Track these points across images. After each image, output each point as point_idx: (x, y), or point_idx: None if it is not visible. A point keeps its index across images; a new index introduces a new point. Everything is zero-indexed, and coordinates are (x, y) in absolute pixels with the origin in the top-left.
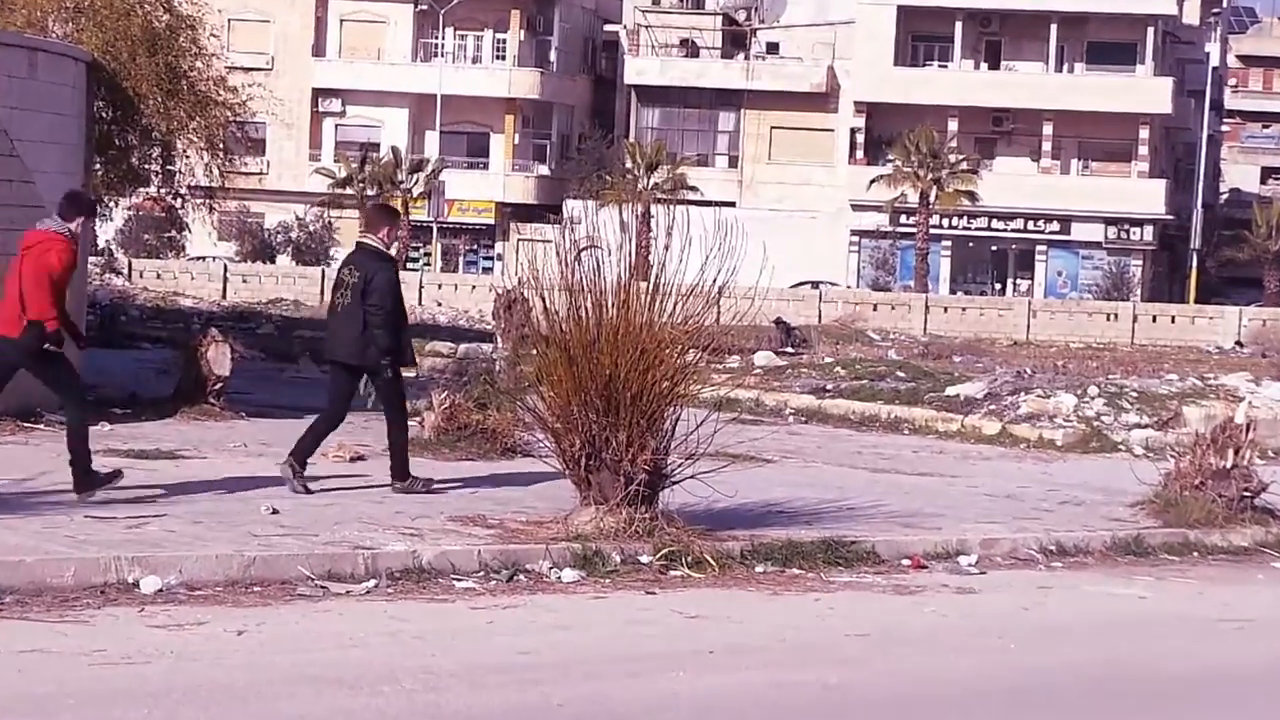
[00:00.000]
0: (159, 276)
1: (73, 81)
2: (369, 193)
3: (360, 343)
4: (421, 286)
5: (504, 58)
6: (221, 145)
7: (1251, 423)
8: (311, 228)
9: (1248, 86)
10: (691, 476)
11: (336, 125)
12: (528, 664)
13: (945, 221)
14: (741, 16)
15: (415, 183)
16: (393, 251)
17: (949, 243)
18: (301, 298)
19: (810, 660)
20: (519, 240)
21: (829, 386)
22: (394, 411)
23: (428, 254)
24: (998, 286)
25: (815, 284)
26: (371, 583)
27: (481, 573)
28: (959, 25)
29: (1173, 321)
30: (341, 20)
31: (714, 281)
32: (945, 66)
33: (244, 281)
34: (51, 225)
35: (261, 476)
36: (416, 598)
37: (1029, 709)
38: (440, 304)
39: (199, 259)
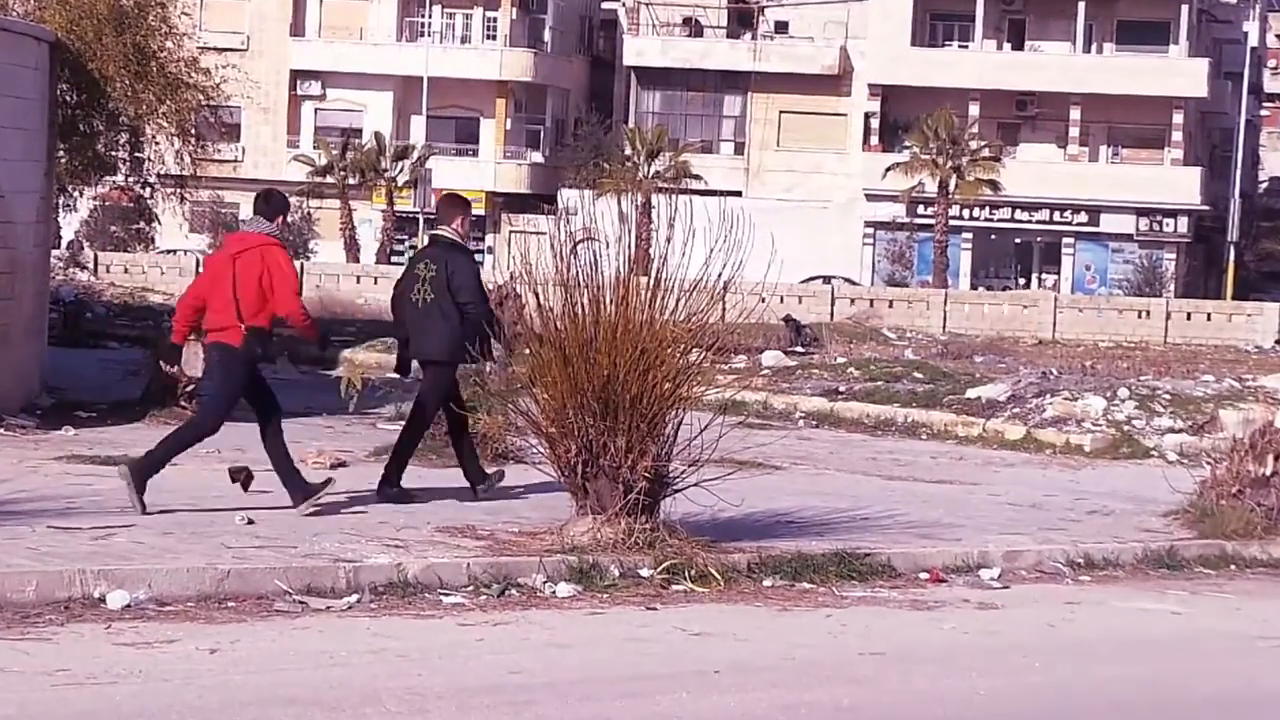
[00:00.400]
0: (126, 271)
1: (35, 63)
2: (350, 182)
3: (453, 339)
4: None
5: (495, 37)
6: (193, 131)
7: None
8: (289, 219)
9: None
10: (695, 484)
11: (316, 109)
12: (520, 684)
13: (966, 212)
14: None
15: (400, 171)
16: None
17: (969, 235)
18: None
19: (821, 680)
20: (511, 232)
21: (841, 388)
22: (424, 414)
23: (413, 247)
24: (1021, 281)
25: (827, 279)
26: (353, 598)
27: (471, 587)
28: (980, 3)
29: (1208, 319)
30: None
31: (719, 276)
32: (966, 47)
33: None
34: (261, 227)
35: (237, 485)
36: (401, 613)
37: None
38: None
39: (169, 252)
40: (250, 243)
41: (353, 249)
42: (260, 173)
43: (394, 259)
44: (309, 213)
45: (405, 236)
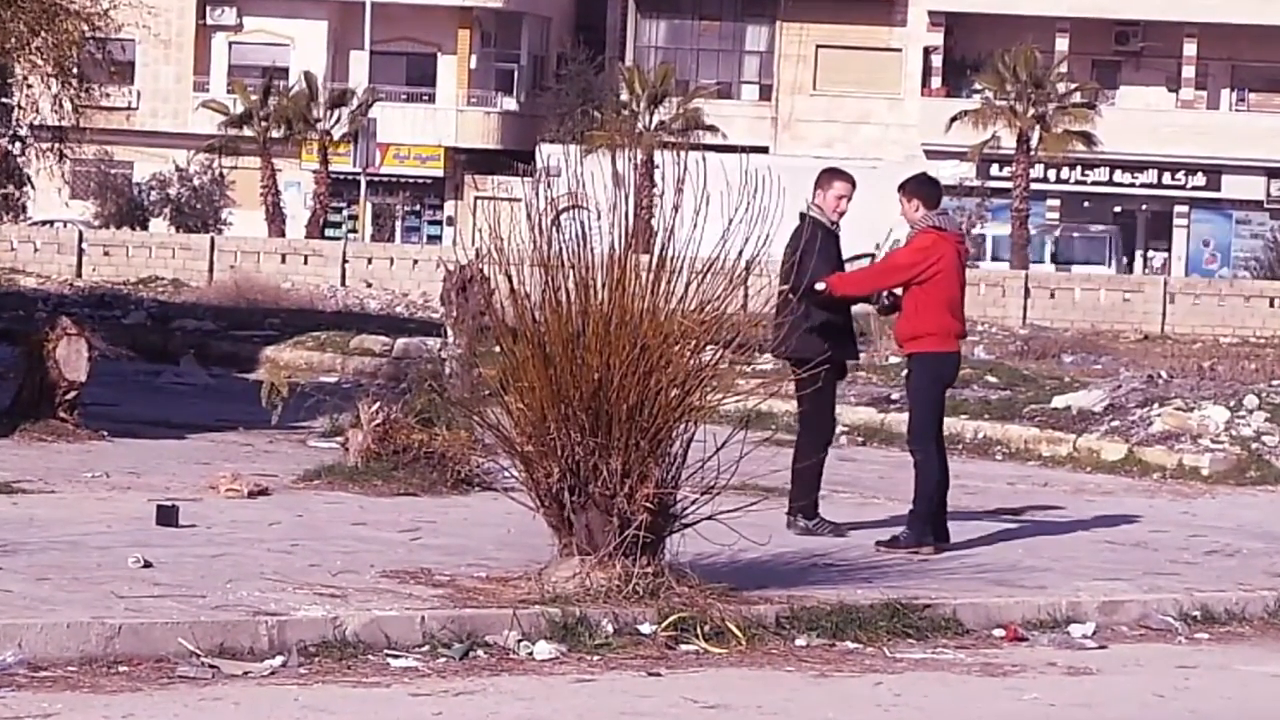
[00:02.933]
0: None
1: None
2: (274, 135)
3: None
4: (345, 261)
5: None
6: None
7: None
8: (197, 182)
9: None
10: (709, 517)
11: (230, 44)
12: None
13: (1051, 173)
14: None
15: (336, 121)
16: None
17: (1056, 201)
18: (184, 275)
19: None
20: (477, 199)
21: (895, 396)
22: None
23: (353, 217)
24: (1123, 260)
25: (875, 258)
26: (278, 660)
27: (426, 647)
28: None
29: None
30: None
31: (740, 254)
32: None
33: (106, 254)
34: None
35: (130, 518)
36: (339, 680)
37: None
38: (370, 284)
39: (45, 224)
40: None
41: (276, 219)
42: (160, 123)
43: (328, 232)
44: (221, 174)
45: (343, 204)
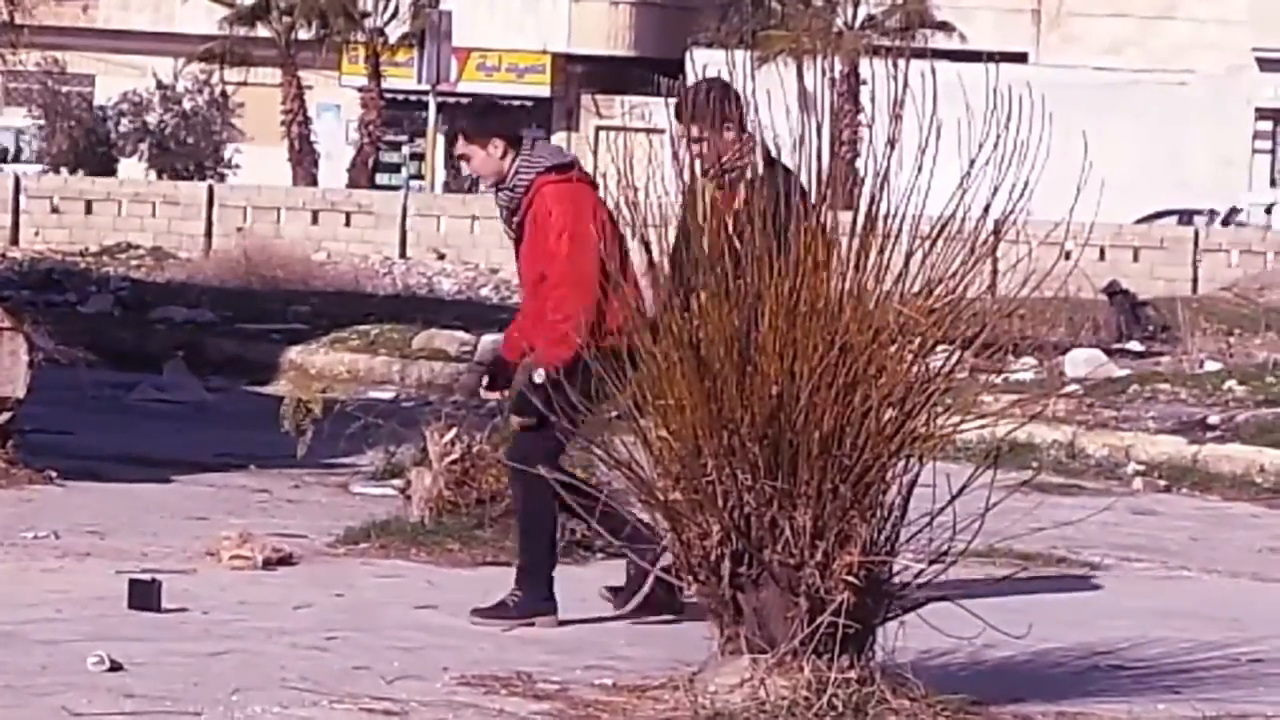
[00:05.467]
0: None
1: None
2: (300, 34)
3: None
4: (405, 222)
5: None
6: None
7: None
8: (187, 105)
9: None
10: (941, 598)
11: None
12: None
13: None
14: None
15: (393, 16)
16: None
17: None
18: (169, 242)
19: None
20: (599, 129)
21: (1214, 419)
22: None
23: (418, 157)
24: None
25: (1186, 215)
26: None
27: None
28: None
29: None
30: None
31: (985, 212)
32: None
33: (55, 211)
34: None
35: (91, 597)
36: None
37: None
38: (442, 255)
39: None
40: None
41: (305, 160)
42: (134, 19)
43: (381, 179)
44: (223, 93)
45: (403, 137)
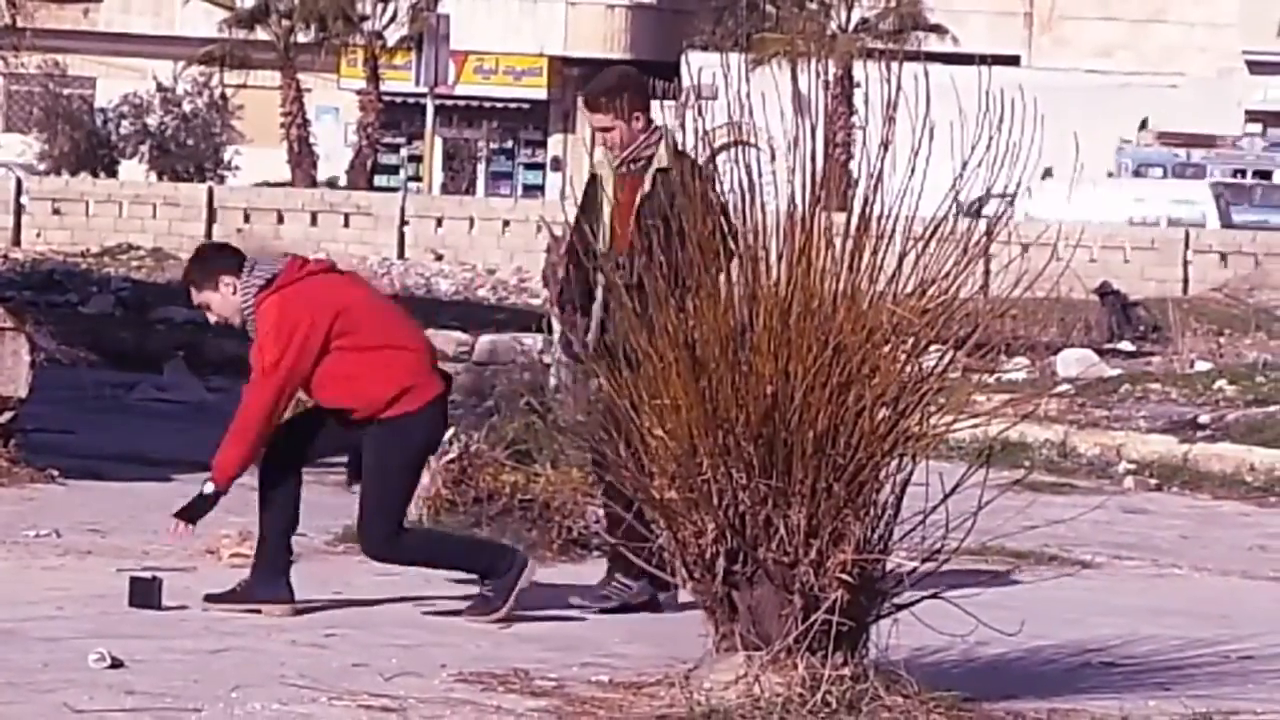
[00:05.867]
0: None
1: None
2: (300, 38)
3: None
4: (404, 223)
5: None
6: None
7: None
8: (188, 107)
9: None
10: (933, 595)
11: None
12: None
13: None
14: None
15: (392, 20)
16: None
17: None
18: (169, 243)
19: None
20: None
21: (1204, 418)
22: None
23: (416, 159)
24: None
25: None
26: None
27: None
28: None
29: None
30: None
31: (977, 212)
32: None
33: (56, 212)
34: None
35: (91, 595)
36: None
37: None
38: (440, 256)
39: None
40: None
41: (304, 162)
42: (135, 22)
43: (379, 180)
44: (223, 96)
45: (401, 139)
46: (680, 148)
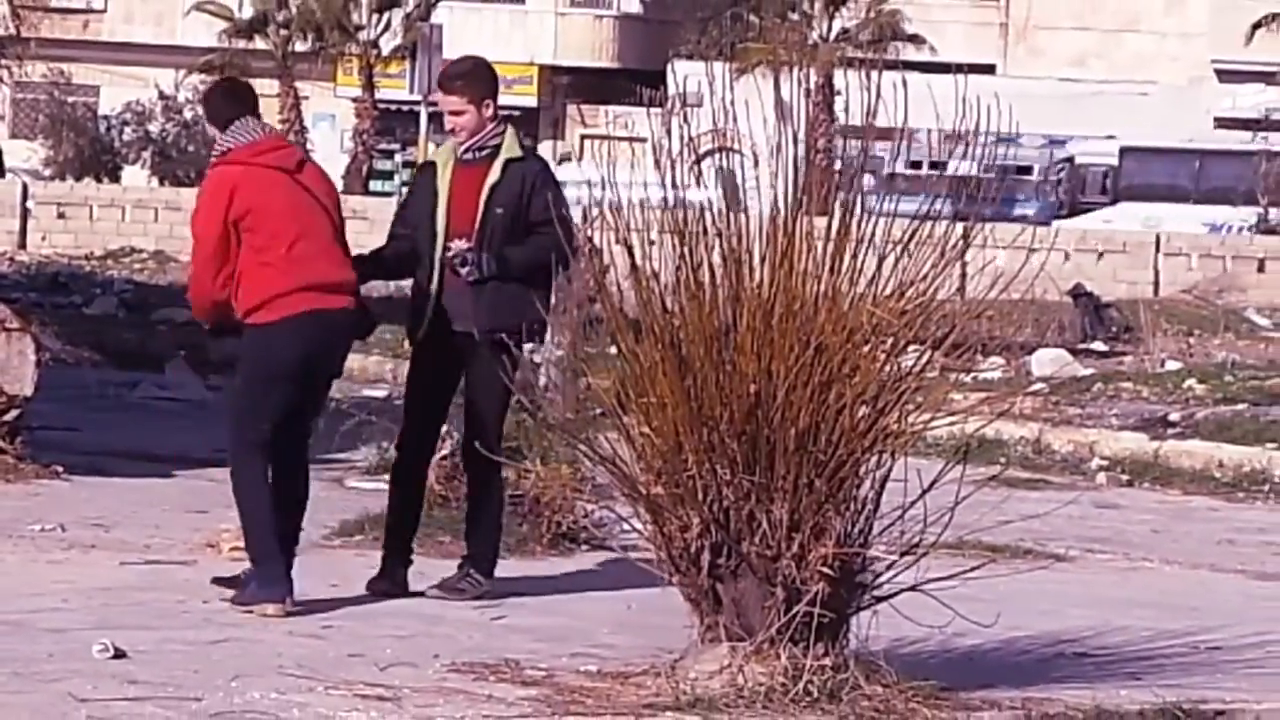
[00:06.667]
0: None
1: None
2: (297, 47)
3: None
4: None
5: None
6: None
7: None
8: (188, 115)
9: None
10: (912, 588)
11: None
12: None
13: None
14: None
15: (386, 29)
16: None
17: None
18: (171, 246)
19: None
20: (584, 137)
21: (1174, 416)
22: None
23: (410, 165)
24: None
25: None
26: None
27: None
28: None
29: None
30: None
31: (954, 217)
32: None
33: (60, 216)
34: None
35: (95, 588)
36: None
37: None
38: None
39: None
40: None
41: None
42: (137, 32)
43: (375, 185)
44: None
45: (395, 145)
46: (526, 145)
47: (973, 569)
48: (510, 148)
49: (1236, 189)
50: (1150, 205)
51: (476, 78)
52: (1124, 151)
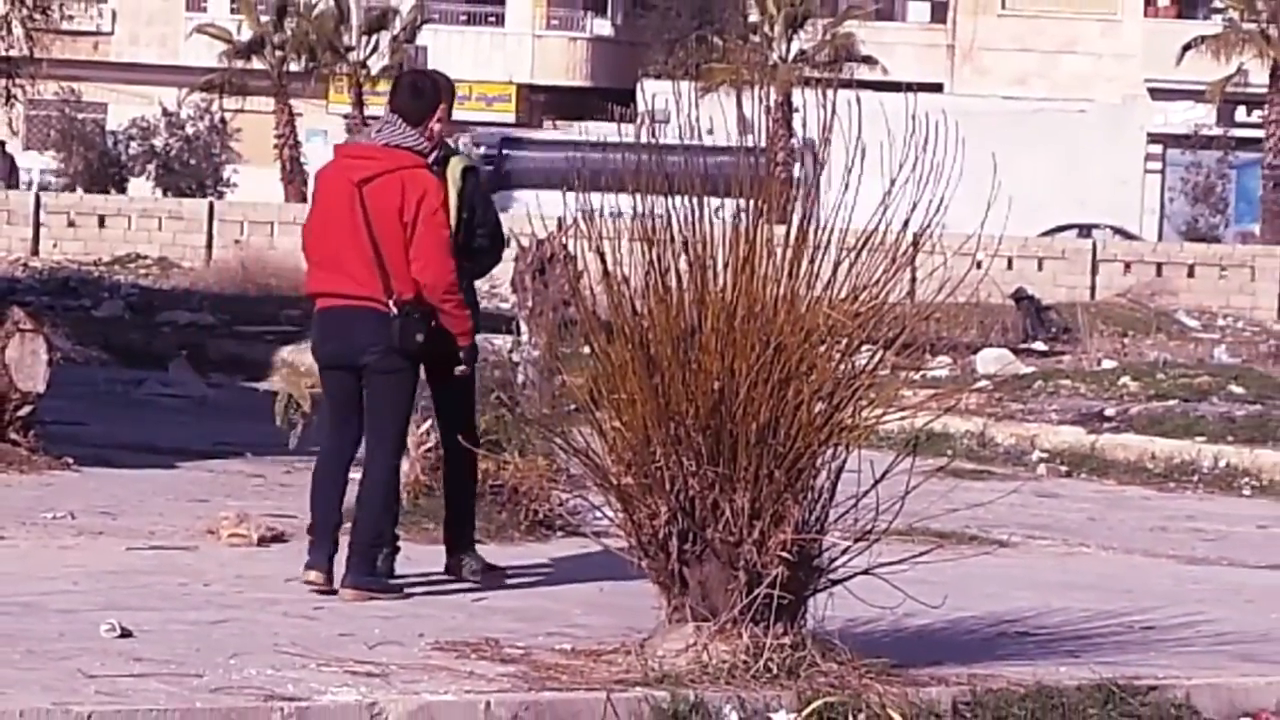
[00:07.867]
0: None
1: None
2: (292, 68)
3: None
4: None
5: None
6: None
7: None
8: (190, 130)
9: None
10: (865, 571)
11: None
12: None
13: None
14: None
15: (374, 50)
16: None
17: None
18: (173, 252)
19: None
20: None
21: (1110, 412)
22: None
23: None
24: None
25: (1084, 229)
26: None
27: None
28: None
29: None
30: None
31: (905, 225)
32: None
33: (70, 225)
34: (404, 138)
35: (103, 572)
36: None
37: None
38: None
39: None
40: (385, 163)
41: (296, 179)
42: (142, 53)
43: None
44: (222, 120)
45: None
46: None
47: (922, 554)
48: (468, 157)
49: None
50: None
51: (450, 93)
52: None
